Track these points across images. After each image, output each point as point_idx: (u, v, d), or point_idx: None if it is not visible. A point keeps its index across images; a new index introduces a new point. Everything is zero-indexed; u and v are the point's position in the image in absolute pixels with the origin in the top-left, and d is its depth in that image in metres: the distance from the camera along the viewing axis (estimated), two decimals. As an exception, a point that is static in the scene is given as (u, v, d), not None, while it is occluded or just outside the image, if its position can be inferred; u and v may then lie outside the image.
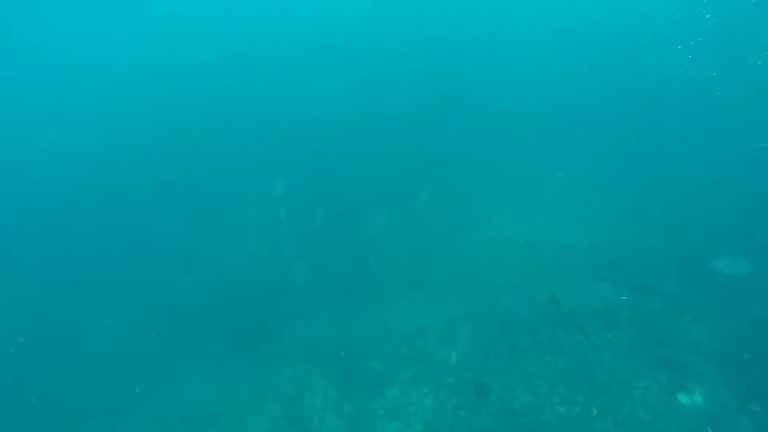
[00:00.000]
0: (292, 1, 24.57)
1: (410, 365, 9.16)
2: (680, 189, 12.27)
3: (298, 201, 15.35)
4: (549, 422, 7.57)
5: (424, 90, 18.79)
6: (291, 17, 24.08)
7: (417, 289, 11.40)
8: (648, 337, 8.73)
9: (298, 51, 21.95)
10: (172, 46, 23.63)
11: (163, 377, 10.45)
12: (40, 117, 20.63)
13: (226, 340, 11.19)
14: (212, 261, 13.83)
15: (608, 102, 16.63)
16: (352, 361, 9.54)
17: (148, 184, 16.70)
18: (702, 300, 9.30)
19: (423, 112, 18.01)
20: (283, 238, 14.34)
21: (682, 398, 7.65)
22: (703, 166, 12.99)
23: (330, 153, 16.88)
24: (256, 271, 13.31)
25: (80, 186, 16.91)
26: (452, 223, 13.44)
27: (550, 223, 12.55)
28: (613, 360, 8.44)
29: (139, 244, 14.55)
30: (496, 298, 10.45)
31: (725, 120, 14.07)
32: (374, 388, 8.83)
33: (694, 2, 16.36)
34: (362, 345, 9.92)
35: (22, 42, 23.76)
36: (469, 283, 11.18)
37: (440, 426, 7.92)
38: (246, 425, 8.78)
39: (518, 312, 9.88)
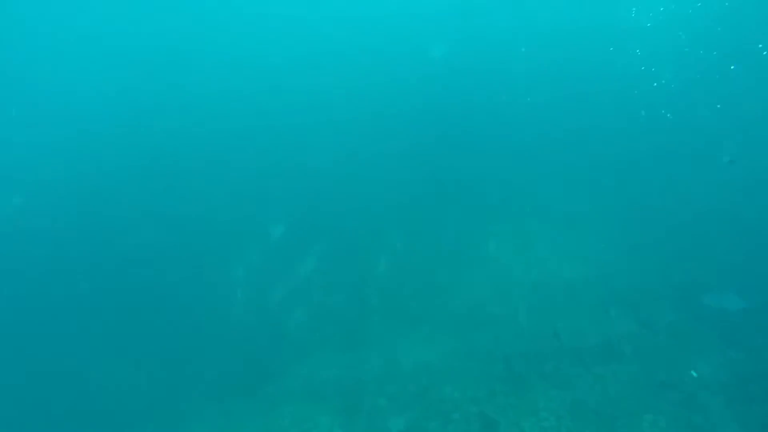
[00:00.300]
0: (292, 40, 24.99)
1: (416, 402, 9.09)
2: (672, 222, 12.66)
3: (298, 239, 15.57)
4: (558, 457, 7.48)
5: (425, 127, 19.43)
6: (290, 55, 24.31)
7: (421, 325, 11.45)
8: (653, 369, 8.77)
9: (297, 89, 22.38)
10: (161, 82, 22.78)
11: (164, 422, 10.30)
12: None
13: (227, 381, 11.11)
14: (211, 303, 13.87)
15: (602, 138, 17.28)
16: (357, 398, 9.47)
17: (140, 226, 16.85)
18: (703, 332, 9.40)
19: (424, 149, 18.58)
20: (283, 278, 14.45)
21: None
22: (693, 199, 13.44)
23: (330, 191, 17.27)
24: (256, 312, 13.37)
25: (70, 231, 17.05)
26: (453, 260, 13.65)
27: (550, 259, 12.80)
28: (619, 393, 8.43)
29: (133, 288, 14.60)
30: (501, 333, 10.51)
31: (714, 155, 14.65)
32: (380, 426, 8.72)
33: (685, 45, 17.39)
34: (367, 382, 9.87)
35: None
36: (472, 318, 11.25)
37: (448, 463, 7.78)
38: (249, 467, 8.60)
39: (523, 346, 9.92)
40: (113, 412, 10.87)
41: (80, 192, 18.88)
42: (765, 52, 16.62)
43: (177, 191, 18.63)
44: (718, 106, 15.79)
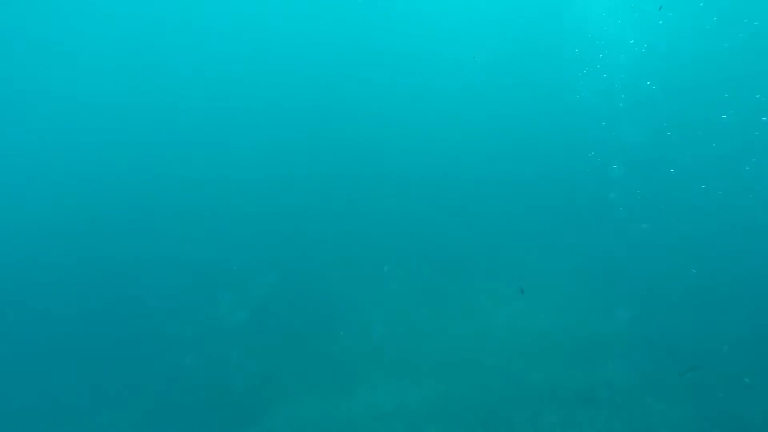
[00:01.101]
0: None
1: (400, 442, 9.20)
2: (643, 278, 13.73)
3: (284, 284, 15.95)
4: (539, 495, 7.65)
5: (407, 183, 20.65)
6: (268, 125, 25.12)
7: (404, 371, 11.70)
8: (624, 414, 9.25)
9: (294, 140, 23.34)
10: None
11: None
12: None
13: (208, 422, 10.91)
14: (193, 342, 13.80)
15: (577, 196, 18.64)
16: (342, 439, 9.50)
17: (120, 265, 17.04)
18: (670, 378, 10.02)
19: (405, 204, 19.73)
20: (268, 323, 14.61)
21: None
22: (665, 253, 14.61)
23: (317, 241, 17.95)
24: (240, 353, 13.35)
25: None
26: (435, 312, 14.19)
27: (529, 311, 13.51)
28: (595, 436, 8.80)
29: (118, 328, 14.52)
30: (480, 380, 10.87)
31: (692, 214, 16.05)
32: (365, 466, 8.74)
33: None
34: (351, 422, 9.93)
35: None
36: (455, 365, 11.61)
37: (432, 503, 7.82)
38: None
39: (504, 391, 10.29)
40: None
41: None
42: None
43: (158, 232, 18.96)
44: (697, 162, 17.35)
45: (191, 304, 15.30)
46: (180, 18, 25.16)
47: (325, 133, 23.35)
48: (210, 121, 23.96)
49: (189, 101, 24.49)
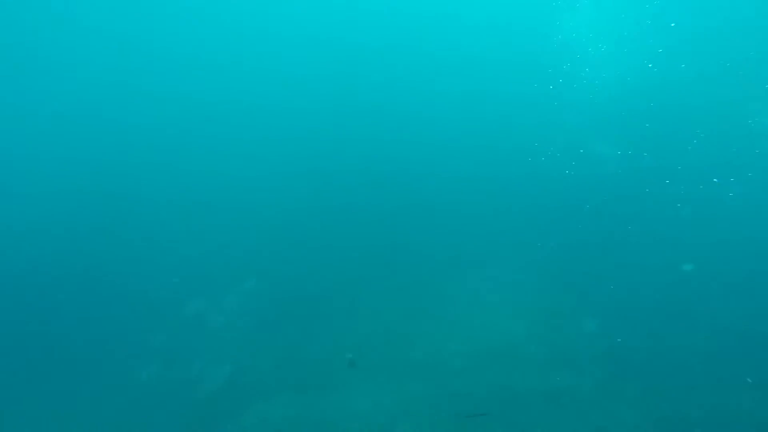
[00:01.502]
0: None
1: (374, 440, 9.55)
2: (609, 290, 14.41)
3: (264, 287, 16.26)
4: (501, 491, 8.06)
5: (381, 185, 21.06)
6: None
7: (379, 372, 12.07)
8: (585, 415, 9.75)
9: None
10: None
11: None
12: None
13: (184, 420, 11.10)
14: (171, 339, 13.99)
15: (552, 214, 19.24)
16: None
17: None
18: (628, 383, 10.58)
19: (380, 210, 20.15)
20: (241, 321, 14.88)
21: None
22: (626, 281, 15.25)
23: (299, 242, 18.29)
24: (217, 351, 13.61)
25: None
26: (409, 316, 14.64)
27: (499, 319, 14.07)
28: (558, 435, 9.28)
29: (84, 330, 14.66)
30: (453, 383, 11.28)
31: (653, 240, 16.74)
32: (338, 462, 9.05)
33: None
34: (326, 421, 10.25)
35: None
36: (426, 369, 12.02)
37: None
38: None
39: (475, 395, 10.72)
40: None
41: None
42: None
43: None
44: (667, 181, 18.21)
45: (165, 302, 15.52)
46: (183, 17, 25.18)
47: (301, 134, 23.57)
48: (192, 123, 24.00)
49: (178, 102, 24.46)
